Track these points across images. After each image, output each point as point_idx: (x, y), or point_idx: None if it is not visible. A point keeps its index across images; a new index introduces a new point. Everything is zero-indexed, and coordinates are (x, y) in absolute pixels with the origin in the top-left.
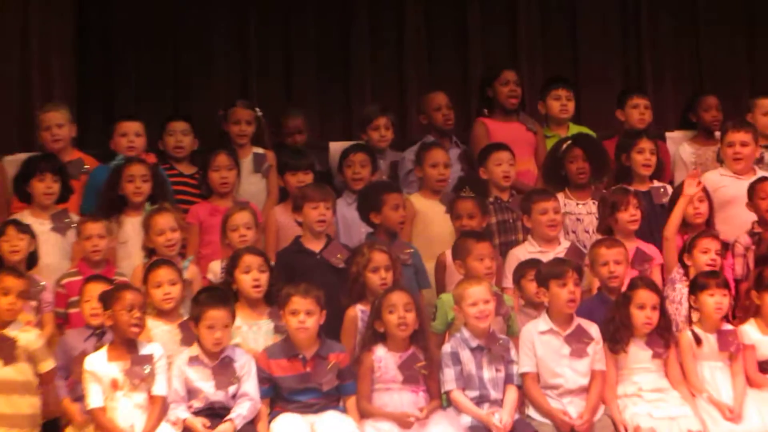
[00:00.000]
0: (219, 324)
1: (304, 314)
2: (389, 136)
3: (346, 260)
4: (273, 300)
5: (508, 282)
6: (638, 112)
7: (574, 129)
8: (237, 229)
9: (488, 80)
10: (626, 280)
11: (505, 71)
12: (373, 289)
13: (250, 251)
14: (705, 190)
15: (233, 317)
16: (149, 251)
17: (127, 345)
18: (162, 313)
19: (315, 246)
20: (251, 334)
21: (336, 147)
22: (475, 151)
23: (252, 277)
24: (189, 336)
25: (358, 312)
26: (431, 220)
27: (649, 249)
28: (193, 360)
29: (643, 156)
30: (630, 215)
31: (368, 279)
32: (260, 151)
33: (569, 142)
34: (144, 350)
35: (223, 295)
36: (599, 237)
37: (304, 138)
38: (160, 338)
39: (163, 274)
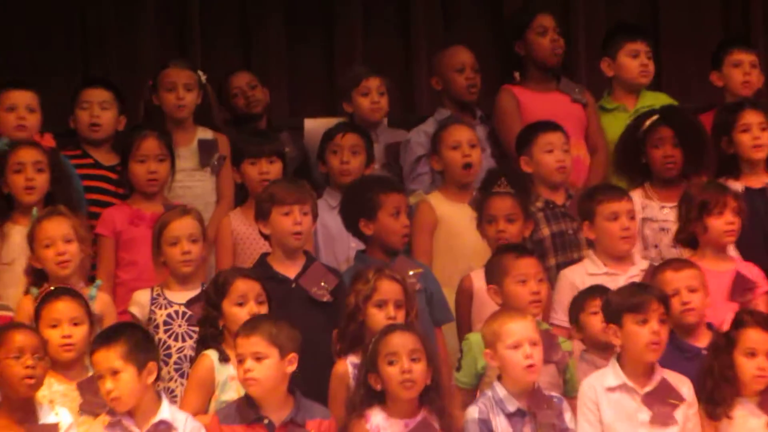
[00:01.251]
0: (105, 369)
1: (251, 359)
2: (384, 105)
3: (334, 290)
4: None
5: (561, 317)
6: (742, 72)
7: (648, 98)
8: (178, 242)
9: (517, 30)
10: (711, 315)
11: (540, 16)
12: (377, 331)
13: (243, 274)
14: None
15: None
16: (35, 273)
17: (20, 409)
18: (59, 367)
19: (288, 269)
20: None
21: (314, 126)
22: (502, 132)
23: (248, 312)
24: (92, 401)
25: (349, 367)
26: (457, 232)
27: (752, 271)
28: (114, 427)
29: (750, 135)
30: (726, 223)
31: (371, 318)
32: (208, 134)
33: (655, 117)
34: (46, 418)
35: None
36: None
37: (262, 103)
38: (58, 403)
39: (63, 308)
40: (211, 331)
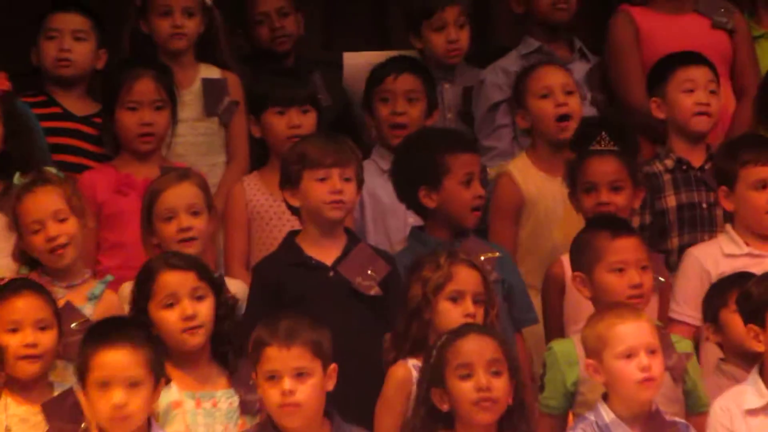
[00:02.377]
0: (119, 377)
1: (290, 378)
2: (463, 43)
3: (384, 280)
4: (230, 356)
5: (685, 310)
6: None
7: None
8: (174, 216)
9: None
10: None
11: None
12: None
13: (170, 264)
14: None
15: (154, 373)
16: (25, 259)
17: None
18: (18, 384)
19: (324, 252)
20: (201, 416)
21: (357, 62)
22: (614, 69)
23: (181, 313)
24: (62, 427)
25: (412, 370)
26: (549, 208)
27: None
28: None
29: None
30: None
31: (442, 315)
32: (214, 73)
33: None
34: None
35: (130, 329)
36: None
37: (292, 39)
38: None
39: (25, 308)
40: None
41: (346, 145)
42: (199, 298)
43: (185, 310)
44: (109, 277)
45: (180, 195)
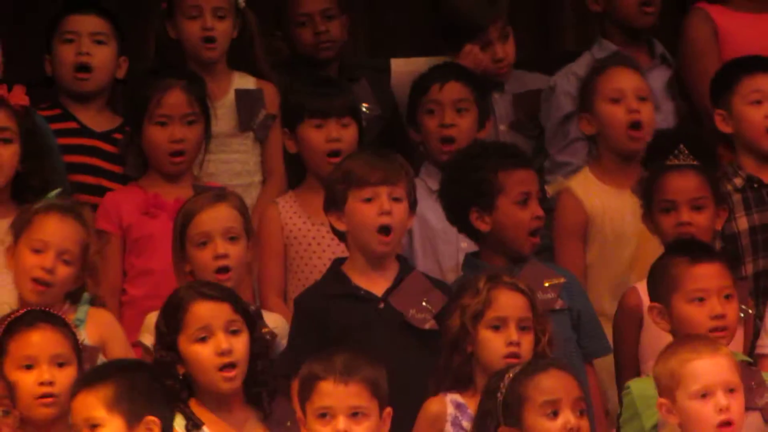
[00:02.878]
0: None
1: (345, 417)
2: (511, 57)
3: (440, 314)
4: (265, 398)
5: None
6: None
7: None
8: (209, 241)
9: None
10: None
11: None
12: (492, 364)
13: (203, 295)
14: None
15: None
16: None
17: None
18: (34, 427)
19: (374, 281)
20: None
21: (405, 69)
22: (691, 73)
23: (215, 347)
24: None
25: (449, 407)
26: (617, 226)
27: None
28: None
29: None
30: None
31: (484, 346)
32: (249, 83)
33: None
34: None
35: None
36: None
37: (338, 45)
38: None
39: (41, 342)
40: (169, 384)
41: (395, 161)
42: (234, 332)
43: (220, 344)
44: (87, 296)
45: (216, 218)
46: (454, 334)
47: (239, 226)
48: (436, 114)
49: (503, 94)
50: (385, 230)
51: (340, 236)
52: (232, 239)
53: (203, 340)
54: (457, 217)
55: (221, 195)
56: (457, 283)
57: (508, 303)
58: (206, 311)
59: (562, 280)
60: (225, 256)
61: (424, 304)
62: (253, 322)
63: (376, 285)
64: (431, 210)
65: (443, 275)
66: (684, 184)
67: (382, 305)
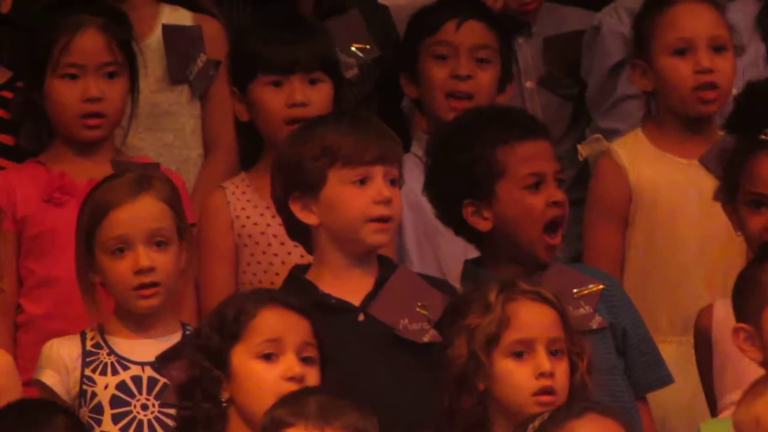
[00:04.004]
0: None
1: None
2: None
3: (441, 321)
4: None
5: None
6: None
7: None
8: (129, 248)
9: None
10: None
11: None
12: (519, 405)
13: (277, 300)
14: None
15: None
16: None
17: None
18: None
19: (349, 289)
20: None
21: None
22: None
23: (283, 374)
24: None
25: None
26: (677, 207)
27: None
28: None
29: None
30: None
31: (504, 379)
32: (184, 18)
33: None
34: None
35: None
36: None
37: None
38: None
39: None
40: (206, 408)
41: (387, 131)
42: (307, 362)
43: (290, 369)
44: None
45: (137, 217)
46: (460, 368)
47: (169, 226)
48: (448, 61)
49: (530, 39)
50: (381, 227)
51: (296, 233)
52: (160, 245)
53: (268, 358)
54: (449, 215)
55: (143, 183)
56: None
57: (534, 319)
58: (279, 323)
59: (600, 286)
60: (150, 269)
61: (418, 309)
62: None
63: (352, 292)
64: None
65: (446, 275)
66: None
67: (361, 317)
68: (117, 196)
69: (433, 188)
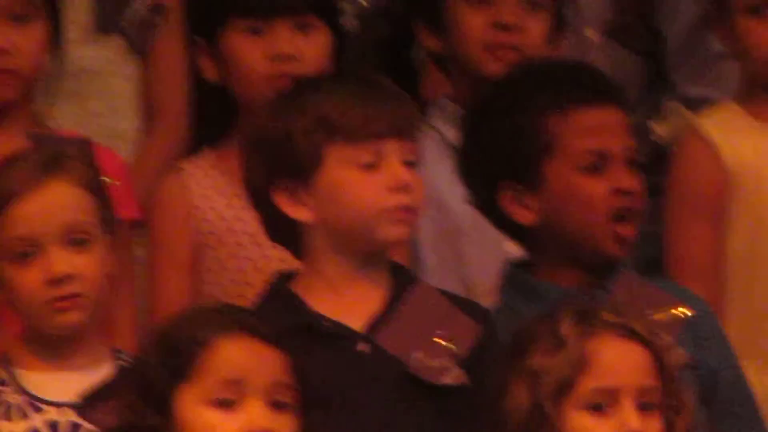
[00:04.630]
0: None
1: None
2: None
3: (472, 354)
4: None
5: None
6: None
7: None
8: (38, 250)
9: None
10: None
11: None
12: None
13: (237, 323)
14: None
15: None
16: None
17: None
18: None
19: (350, 309)
20: None
21: None
22: None
23: (243, 428)
24: None
25: None
26: None
27: None
28: None
29: None
30: None
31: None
32: None
33: None
34: None
35: None
36: None
37: None
38: None
39: None
40: None
41: (403, 98)
42: (279, 407)
43: (255, 421)
44: None
45: (46, 208)
46: (518, 423)
47: (89, 218)
48: (490, 3)
49: None
50: (403, 211)
51: (278, 232)
52: (79, 244)
53: (224, 406)
54: (486, 204)
55: (51, 164)
56: (496, 314)
57: (620, 361)
58: (240, 357)
59: (687, 312)
60: (67, 277)
61: (437, 340)
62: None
63: (354, 311)
64: (451, 185)
65: (476, 294)
66: None
67: (364, 347)
68: (17, 184)
69: (465, 167)
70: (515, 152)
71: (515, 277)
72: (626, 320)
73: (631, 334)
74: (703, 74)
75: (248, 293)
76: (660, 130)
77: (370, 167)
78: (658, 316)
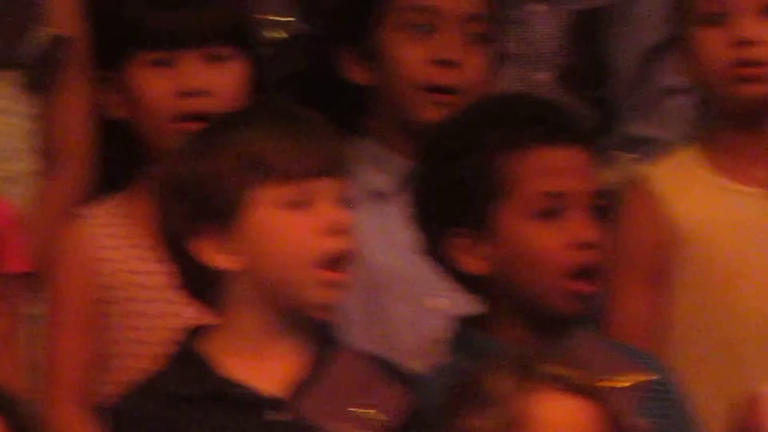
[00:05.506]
0: None
1: None
2: None
3: (400, 428)
4: None
5: None
6: None
7: None
8: None
9: None
10: None
11: None
12: None
13: None
14: None
15: None
16: None
17: None
18: None
19: (266, 373)
20: None
21: None
22: None
23: None
24: None
25: None
26: (742, 256)
27: None
28: None
29: None
30: None
31: None
32: None
33: None
34: None
35: None
36: None
37: None
38: None
39: None
40: None
41: (334, 135)
42: None
43: None
44: None
45: None
46: None
47: None
48: (429, 35)
49: (554, 8)
50: (334, 263)
51: (197, 286)
52: None
53: None
54: (437, 252)
55: None
56: (438, 376)
57: (563, 419)
58: None
59: (648, 377)
60: None
61: (361, 412)
62: None
63: (271, 377)
64: (374, 234)
65: (401, 361)
66: None
67: (282, 415)
68: None
69: (416, 212)
70: (467, 195)
71: (462, 334)
72: (573, 373)
73: (579, 390)
74: (653, 112)
75: (157, 351)
76: (609, 178)
77: (301, 208)
78: (619, 383)
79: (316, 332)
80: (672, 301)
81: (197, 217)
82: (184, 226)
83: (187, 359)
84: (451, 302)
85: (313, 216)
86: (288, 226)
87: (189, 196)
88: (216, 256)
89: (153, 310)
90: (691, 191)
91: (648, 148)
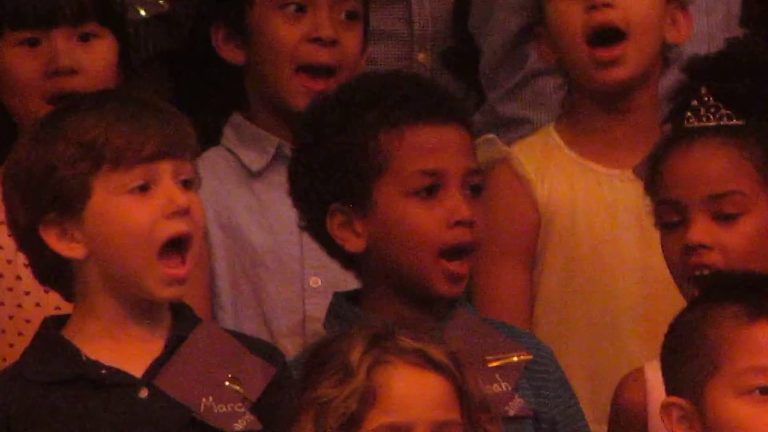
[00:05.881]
0: None
1: None
2: None
3: (265, 401)
4: None
5: None
6: None
7: None
8: None
9: None
10: None
11: None
12: None
13: None
14: None
15: None
16: None
17: None
18: None
19: (128, 354)
20: None
21: None
22: None
23: None
24: None
25: None
26: (608, 246)
27: None
28: None
29: None
30: None
31: None
32: None
33: None
34: None
35: None
36: None
37: None
38: None
39: None
40: None
41: (175, 116)
42: None
43: None
44: None
45: None
46: None
47: None
48: (302, 14)
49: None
50: (176, 245)
51: (48, 274)
52: None
53: None
54: (316, 229)
55: None
56: (306, 353)
57: (414, 393)
58: None
59: (526, 357)
60: None
61: (228, 384)
62: None
63: (131, 358)
64: (248, 212)
65: (274, 341)
66: (695, 168)
67: (144, 392)
68: None
69: (295, 189)
70: (345, 172)
71: (339, 309)
72: (424, 346)
73: (428, 362)
74: (520, 93)
75: (18, 345)
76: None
77: (143, 191)
78: (498, 361)
79: (174, 312)
80: (540, 280)
81: (40, 206)
82: (28, 215)
83: (51, 345)
84: (329, 280)
85: (156, 198)
86: (127, 212)
87: (30, 186)
88: (63, 245)
89: (11, 299)
90: (553, 172)
91: (516, 128)
